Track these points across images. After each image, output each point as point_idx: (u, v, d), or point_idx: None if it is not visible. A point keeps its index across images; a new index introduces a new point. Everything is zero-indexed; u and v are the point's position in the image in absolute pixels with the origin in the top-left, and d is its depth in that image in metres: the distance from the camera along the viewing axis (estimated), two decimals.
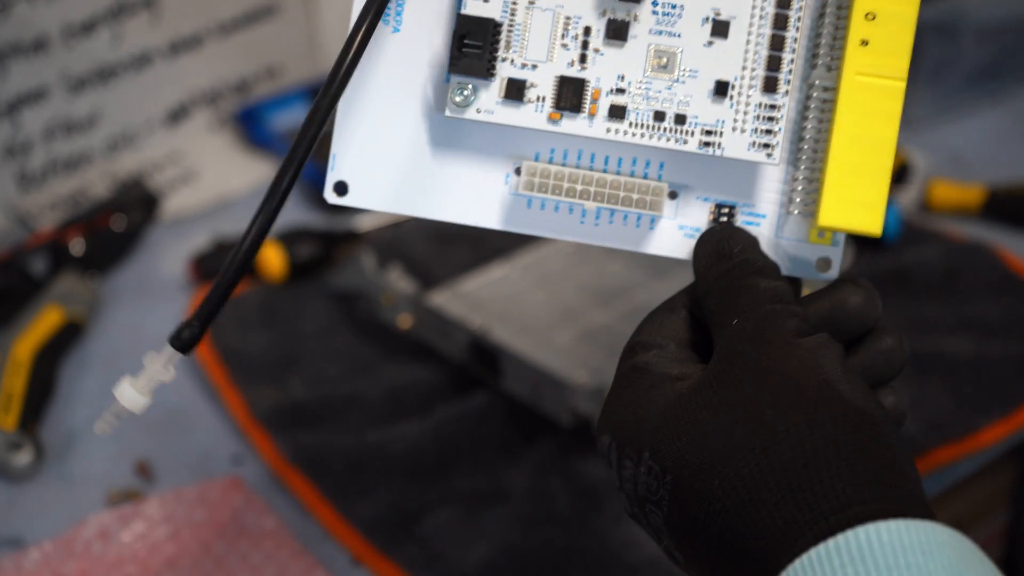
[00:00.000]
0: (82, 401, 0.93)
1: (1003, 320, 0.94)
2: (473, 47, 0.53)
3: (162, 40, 1.18)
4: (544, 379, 0.81)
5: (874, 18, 0.51)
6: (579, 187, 0.54)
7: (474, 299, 0.92)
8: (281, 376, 0.93)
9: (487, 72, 0.53)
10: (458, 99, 0.53)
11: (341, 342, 0.96)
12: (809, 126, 0.53)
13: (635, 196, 0.54)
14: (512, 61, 0.53)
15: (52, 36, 1.11)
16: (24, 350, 0.91)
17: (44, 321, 0.94)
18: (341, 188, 0.56)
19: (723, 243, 0.53)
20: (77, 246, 1.04)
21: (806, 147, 0.53)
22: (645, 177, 0.55)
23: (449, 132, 0.55)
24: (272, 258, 1.01)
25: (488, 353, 0.85)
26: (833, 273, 0.54)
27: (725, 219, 0.55)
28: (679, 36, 0.53)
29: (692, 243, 0.55)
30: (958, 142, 1.18)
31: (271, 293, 1.01)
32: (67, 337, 0.96)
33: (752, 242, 0.53)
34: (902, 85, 0.51)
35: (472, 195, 0.56)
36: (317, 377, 0.93)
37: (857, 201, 0.51)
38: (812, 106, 0.53)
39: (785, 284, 0.51)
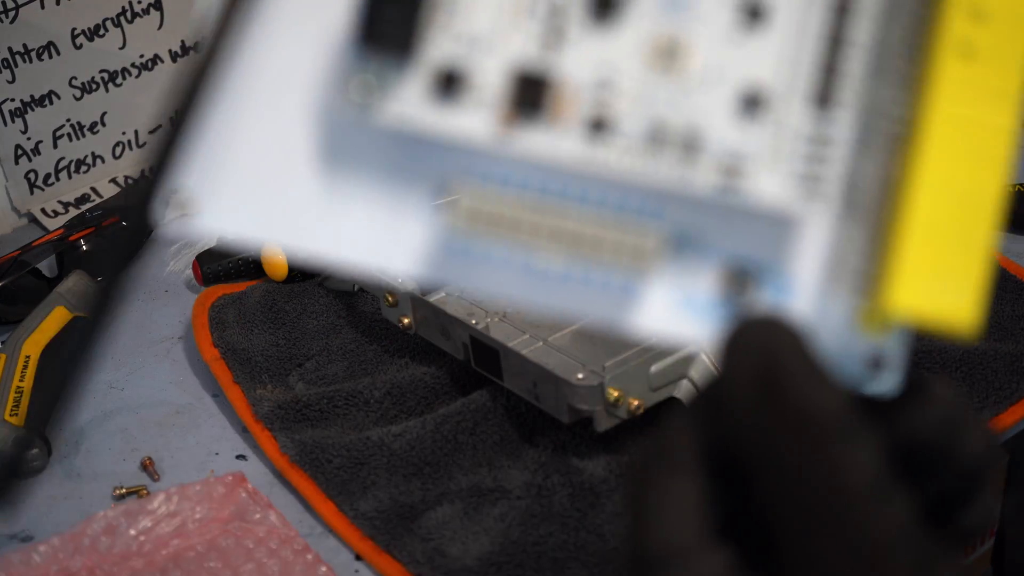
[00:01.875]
0: (89, 400, 0.94)
1: (995, 319, 0.93)
2: (390, 11, 0.36)
3: (168, 43, 1.19)
4: (543, 377, 0.81)
5: (982, 17, 0.35)
6: (541, 225, 0.37)
7: (474, 298, 0.92)
8: (283, 374, 0.94)
9: (408, 50, 0.36)
10: (363, 91, 0.37)
11: (343, 340, 0.96)
12: (871, 167, 0.37)
13: (614, 246, 0.37)
14: (447, 37, 0.36)
15: (61, 39, 1.12)
16: (33, 349, 0.92)
17: (53, 320, 0.95)
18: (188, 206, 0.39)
19: (769, 364, 0.34)
20: (85, 246, 1.05)
21: (866, 196, 0.36)
22: (632, 219, 0.38)
23: (351, 140, 0.38)
24: (275, 257, 1.01)
25: (488, 351, 0.85)
26: (888, 379, 0.37)
27: (742, 290, 0.38)
28: (696, 18, 0.36)
29: (689, 322, 0.38)
30: None
31: (273, 291, 1.01)
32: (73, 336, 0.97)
33: (811, 361, 0.34)
34: (1014, 121, 0.35)
35: (382, 232, 0.38)
36: (319, 375, 0.93)
37: (946, 280, 0.35)
38: (877, 138, 0.37)
39: (875, 445, 0.34)
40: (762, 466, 0.34)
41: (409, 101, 0.36)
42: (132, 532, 0.80)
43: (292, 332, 0.97)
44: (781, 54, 0.37)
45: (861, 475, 0.33)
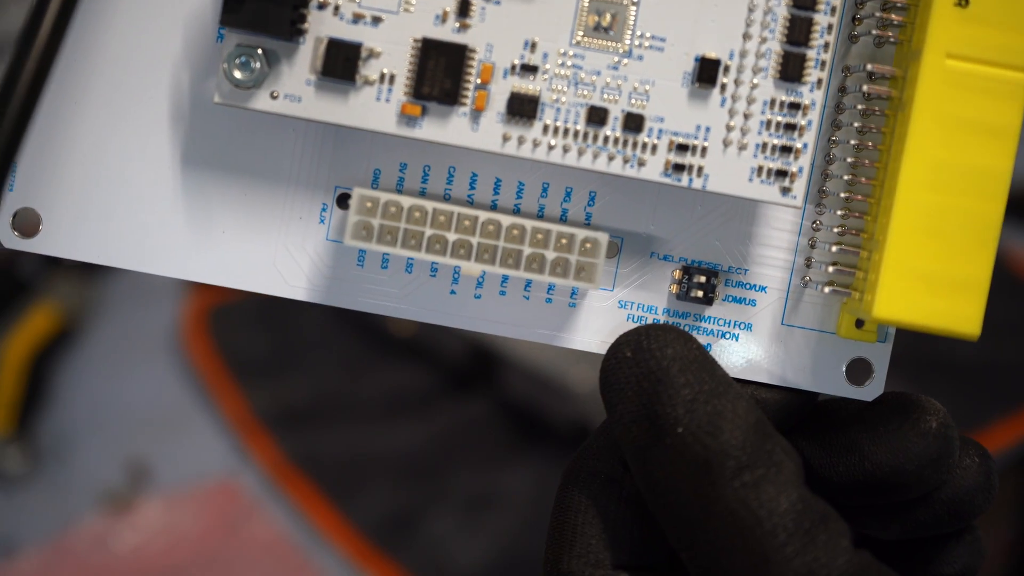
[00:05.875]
0: (78, 404, 0.92)
1: (1011, 323, 0.93)
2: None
3: None
4: (543, 384, 0.81)
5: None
6: (451, 236, 0.32)
7: None
8: (279, 378, 0.93)
9: (291, 30, 0.31)
10: (239, 75, 0.31)
11: (340, 345, 0.96)
12: (851, 144, 0.33)
13: (550, 252, 0.32)
14: (338, 10, 0.32)
15: None
16: (15, 352, 0.91)
17: (36, 323, 0.94)
18: (27, 225, 0.34)
19: (644, 388, 0.29)
20: None
21: (845, 179, 0.33)
22: (564, 220, 0.34)
23: (220, 135, 0.34)
24: None
25: (487, 358, 0.85)
26: (874, 387, 0.34)
27: (699, 291, 0.34)
28: None
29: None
30: None
31: (270, 295, 1.01)
32: (60, 339, 0.96)
33: (700, 377, 0.29)
34: None
35: (259, 250, 0.36)
36: (316, 380, 0.93)
37: (940, 281, 0.30)
38: (855, 110, 0.33)
39: (797, 478, 0.29)
40: (665, 511, 0.30)
41: (295, 85, 0.31)
42: (119, 541, 0.79)
43: (288, 336, 0.97)
44: (741, 18, 0.31)
45: (768, 525, 0.28)
